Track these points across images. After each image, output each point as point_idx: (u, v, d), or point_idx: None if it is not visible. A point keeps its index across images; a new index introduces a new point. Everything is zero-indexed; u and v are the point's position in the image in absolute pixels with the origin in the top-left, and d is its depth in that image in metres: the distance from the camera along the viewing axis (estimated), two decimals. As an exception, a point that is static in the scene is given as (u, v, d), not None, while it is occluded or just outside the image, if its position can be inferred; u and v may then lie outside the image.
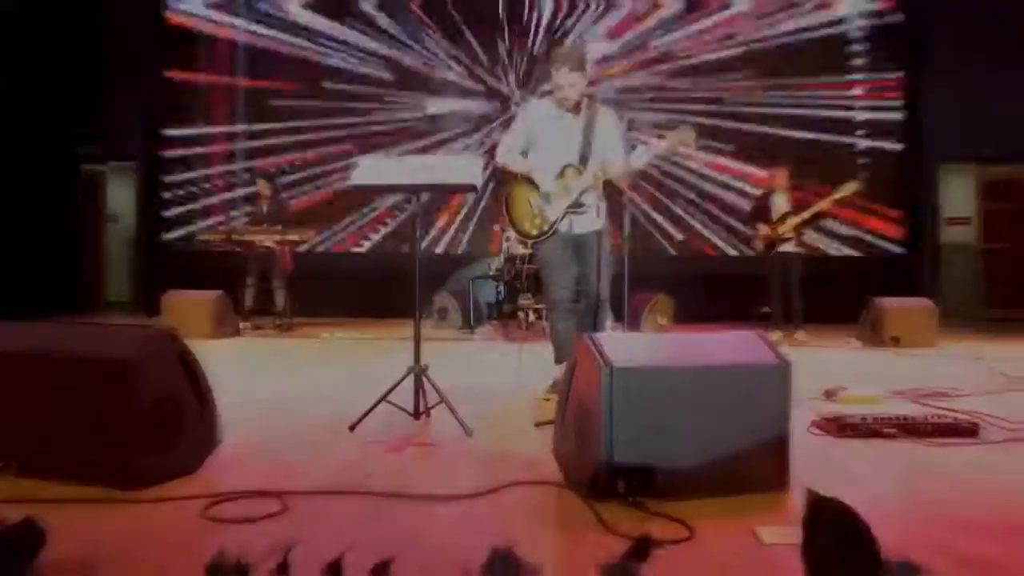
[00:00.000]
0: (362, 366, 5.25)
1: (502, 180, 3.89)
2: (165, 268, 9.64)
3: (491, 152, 8.20)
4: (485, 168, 3.10)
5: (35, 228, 9.22)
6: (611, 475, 2.13)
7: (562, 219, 3.64)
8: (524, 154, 3.77)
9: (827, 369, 5.17)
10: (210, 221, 9.67)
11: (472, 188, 2.98)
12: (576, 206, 3.62)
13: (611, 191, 3.75)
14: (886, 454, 2.74)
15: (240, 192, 9.77)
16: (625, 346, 2.28)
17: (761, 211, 7.19)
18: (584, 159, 3.62)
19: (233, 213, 9.57)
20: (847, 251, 9.33)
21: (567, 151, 3.64)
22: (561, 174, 3.64)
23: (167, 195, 9.94)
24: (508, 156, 3.76)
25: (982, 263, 11.05)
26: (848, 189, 6.69)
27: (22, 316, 7.53)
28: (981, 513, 2.14)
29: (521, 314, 7.48)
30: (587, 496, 2.16)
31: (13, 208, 9.13)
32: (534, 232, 3.69)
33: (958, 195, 10.92)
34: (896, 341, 6.34)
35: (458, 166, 3.11)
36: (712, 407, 2.21)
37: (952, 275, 11.24)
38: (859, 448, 2.83)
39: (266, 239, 7.39)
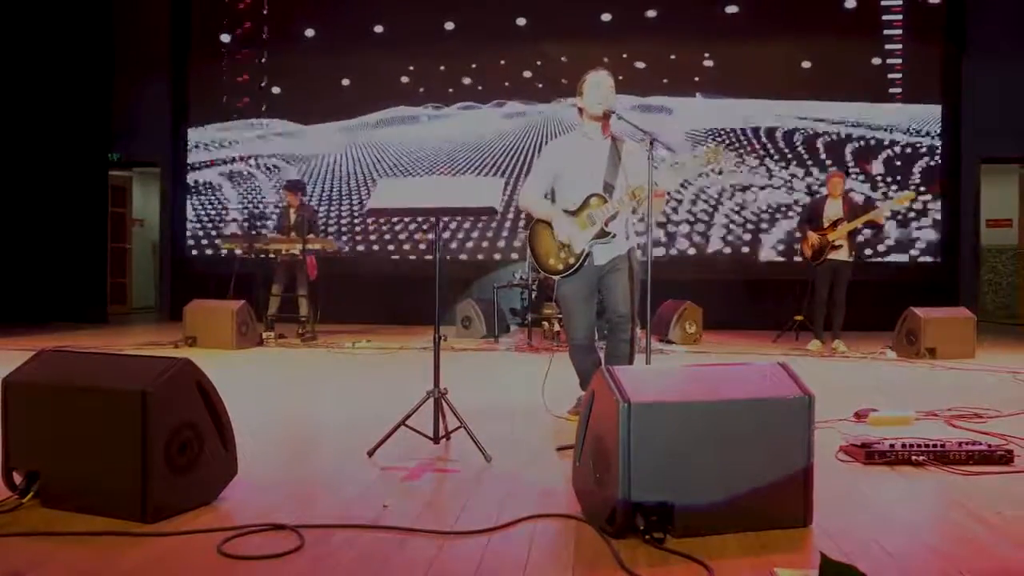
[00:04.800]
0: (384, 381, 5.26)
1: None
2: (189, 274, 9.79)
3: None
4: (505, 189, 3.05)
5: (63, 235, 9.42)
6: (629, 512, 2.09)
7: (589, 251, 3.55)
8: (548, 196, 3.70)
9: (859, 384, 5.08)
10: (234, 229, 9.78)
11: (491, 212, 2.94)
12: (602, 235, 3.54)
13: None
14: (915, 484, 2.67)
15: (267, 200, 9.88)
16: (643, 380, 2.23)
17: (812, 217, 7.03)
18: (608, 187, 3.54)
19: (259, 221, 9.68)
20: (883, 254, 9.15)
21: (593, 180, 3.55)
22: (585, 203, 3.55)
23: (192, 201, 10.09)
24: (531, 200, 3.67)
25: (1023, 266, 10.80)
26: (904, 198, 6.57)
27: (52, 322, 7.69)
28: (1013, 555, 2.06)
29: (546, 323, 7.45)
30: (605, 532, 2.13)
31: (42, 215, 9.35)
32: (560, 267, 3.57)
33: (999, 196, 10.67)
34: (932, 353, 6.19)
35: (477, 188, 3.08)
36: (733, 442, 2.16)
37: (992, 278, 11.00)
38: (887, 477, 2.75)
39: (291, 247, 7.44)
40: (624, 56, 9.31)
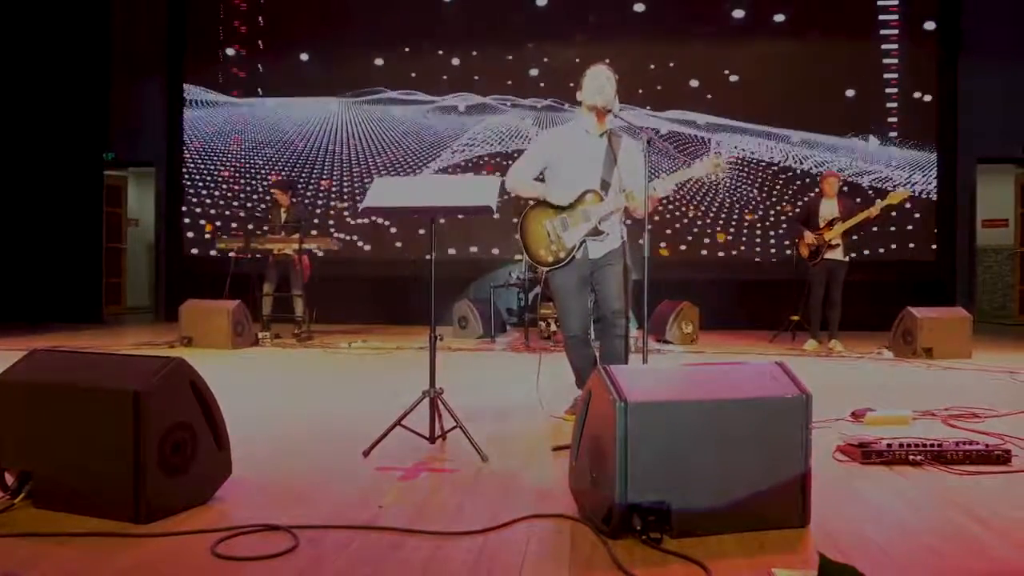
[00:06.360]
0: (380, 381, 5.24)
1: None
2: (184, 274, 9.76)
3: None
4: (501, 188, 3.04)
5: (58, 234, 9.40)
6: (626, 512, 2.08)
7: (580, 246, 3.54)
8: (539, 179, 3.68)
9: (856, 384, 5.08)
10: (229, 228, 9.74)
11: (488, 211, 2.93)
12: (595, 233, 3.52)
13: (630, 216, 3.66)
14: (913, 484, 2.66)
15: (260, 199, 9.85)
16: (640, 379, 2.22)
17: (808, 218, 7.03)
18: (605, 185, 3.53)
19: (256, 214, 9.64)
20: (879, 254, 9.16)
21: (588, 175, 3.54)
22: (580, 199, 3.54)
23: (187, 201, 10.06)
24: (519, 181, 3.64)
25: (1019, 266, 10.82)
26: (898, 196, 6.56)
27: (47, 322, 7.65)
28: (1010, 555, 2.05)
29: (542, 323, 7.44)
30: (602, 532, 2.11)
31: (37, 215, 9.33)
32: (550, 259, 3.56)
33: (996, 196, 10.69)
34: (928, 353, 6.19)
35: (473, 187, 3.06)
36: (730, 441, 2.15)
37: (988, 278, 11.02)
38: (884, 477, 2.74)
39: (284, 247, 7.42)
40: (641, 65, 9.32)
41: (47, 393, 2.33)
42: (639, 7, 9.41)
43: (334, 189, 9.82)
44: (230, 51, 9.99)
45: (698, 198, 9.36)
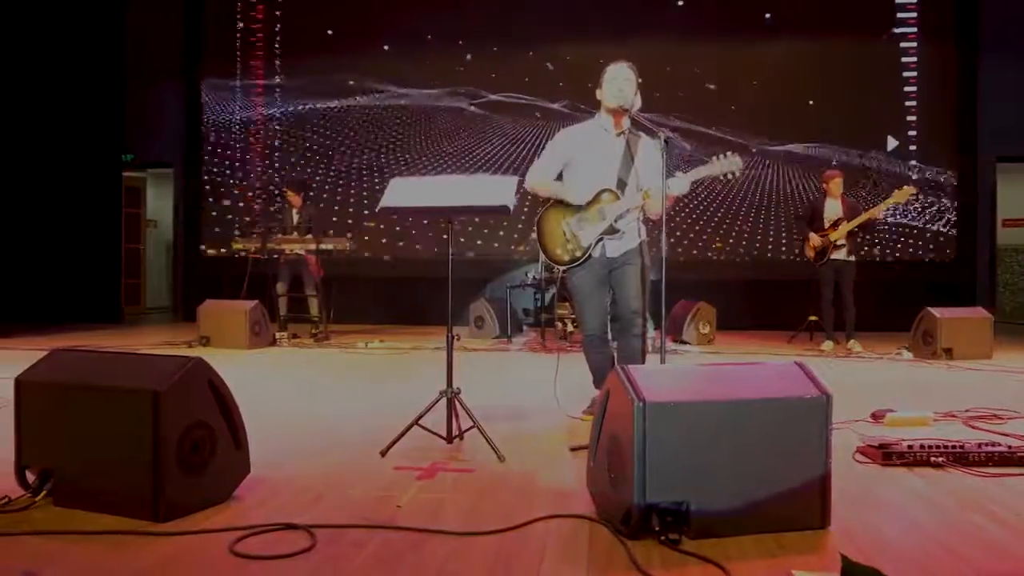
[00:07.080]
0: (397, 381, 5.25)
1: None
2: (202, 274, 9.83)
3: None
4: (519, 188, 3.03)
5: (78, 235, 9.50)
6: (644, 512, 2.07)
7: (596, 245, 3.53)
8: (558, 178, 3.67)
9: (875, 384, 5.03)
10: (246, 228, 9.78)
11: (505, 210, 2.93)
12: (611, 231, 3.51)
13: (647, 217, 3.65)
14: (934, 486, 2.62)
15: (275, 200, 9.90)
16: (659, 379, 2.21)
17: (812, 218, 6.98)
18: (622, 184, 3.52)
19: (268, 220, 9.69)
20: (899, 254, 9.06)
21: (605, 174, 3.53)
22: (596, 198, 3.53)
23: (205, 202, 10.12)
24: (538, 181, 3.63)
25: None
26: (903, 194, 6.48)
27: (66, 322, 7.73)
28: (1037, 558, 2.02)
29: (559, 323, 7.43)
30: (620, 533, 2.11)
31: (57, 216, 9.44)
32: (566, 258, 3.56)
33: (1016, 195, 10.55)
34: (949, 353, 6.12)
35: (491, 186, 3.06)
36: (749, 442, 2.13)
37: (1008, 278, 10.88)
38: (905, 479, 2.71)
39: (298, 247, 7.44)
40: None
41: (68, 392, 2.35)
42: (653, 10, 9.37)
43: (352, 189, 9.86)
44: (247, 51, 10.05)
45: (710, 197, 9.30)
